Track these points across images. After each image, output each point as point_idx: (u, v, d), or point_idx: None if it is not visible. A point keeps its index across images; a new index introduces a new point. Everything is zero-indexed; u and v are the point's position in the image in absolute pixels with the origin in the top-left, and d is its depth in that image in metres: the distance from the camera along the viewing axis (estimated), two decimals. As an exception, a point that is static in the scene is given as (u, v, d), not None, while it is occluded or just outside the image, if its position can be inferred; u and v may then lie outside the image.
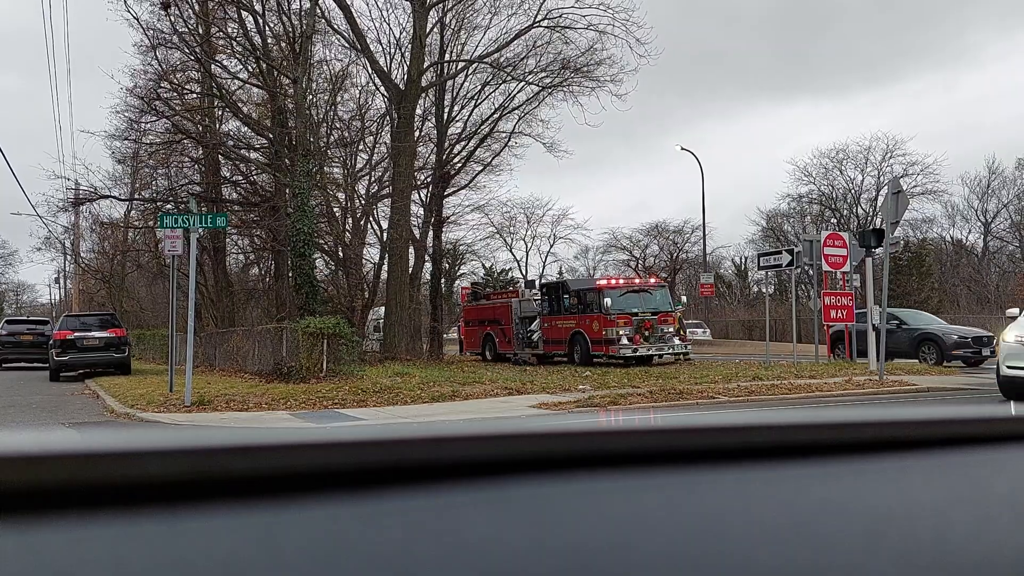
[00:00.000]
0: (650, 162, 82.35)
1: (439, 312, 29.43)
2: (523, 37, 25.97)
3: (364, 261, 27.30)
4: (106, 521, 0.50)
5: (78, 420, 11.89)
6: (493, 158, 29.66)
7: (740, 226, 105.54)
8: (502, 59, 26.36)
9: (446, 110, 27.86)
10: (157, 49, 21.70)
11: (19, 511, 0.50)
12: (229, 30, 23.35)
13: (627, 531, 0.58)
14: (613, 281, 22.84)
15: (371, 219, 28.15)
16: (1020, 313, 13.04)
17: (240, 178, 26.51)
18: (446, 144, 27.98)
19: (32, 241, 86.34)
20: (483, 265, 48.54)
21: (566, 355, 22.57)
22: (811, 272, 18.92)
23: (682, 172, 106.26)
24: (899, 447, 0.83)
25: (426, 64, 25.69)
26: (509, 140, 28.76)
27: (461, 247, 41.11)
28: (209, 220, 14.58)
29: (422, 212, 28.19)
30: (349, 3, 23.89)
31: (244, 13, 21.82)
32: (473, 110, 28.24)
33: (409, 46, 25.07)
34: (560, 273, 51.98)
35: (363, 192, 27.42)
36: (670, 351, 21.36)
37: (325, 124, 24.65)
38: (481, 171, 30.08)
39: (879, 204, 37.34)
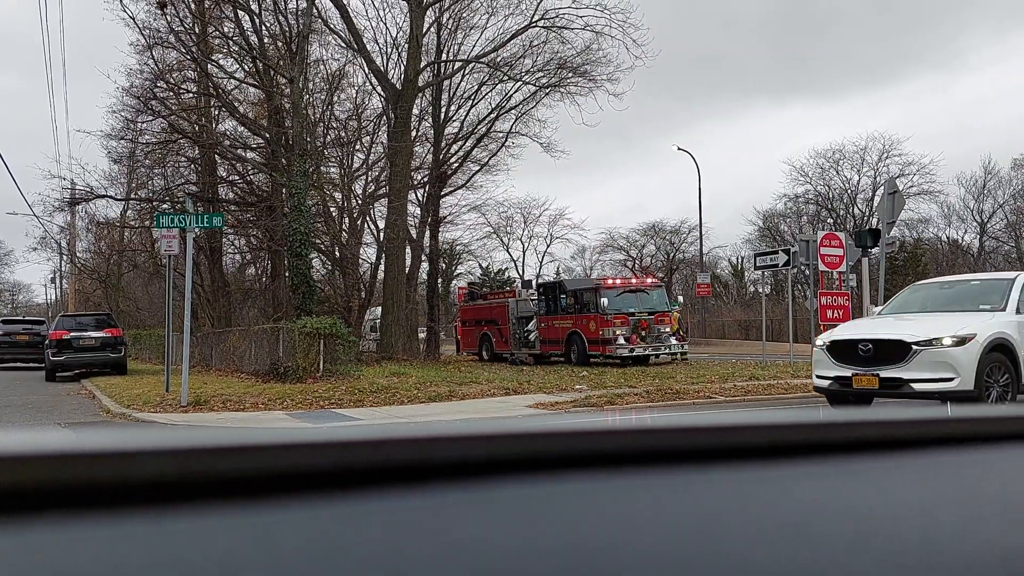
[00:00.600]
0: (647, 163, 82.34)
1: (436, 312, 29.44)
2: (520, 37, 26.02)
3: (361, 261, 27.31)
4: (101, 521, 0.50)
5: (74, 420, 11.87)
6: (490, 158, 29.68)
7: (737, 226, 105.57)
8: (499, 59, 26.40)
9: (443, 110, 27.86)
10: (153, 48, 21.71)
11: (14, 511, 0.50)
12: (225, 29, 23.35)
13: (618, 531, 0.58)
14: (610, 281, 22.86)
15: (368, 219, 28.15)
16: (878, 311, 11.24)
17: (236, 178, 26.47)
18: (443, 144, 27.98)
19: (28, 241, 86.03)
20: (480, 265, 48.51)
21: (563, 355, 22.58)
22: (807, 272, 18.93)
23: (679, 173, 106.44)
24: (888, 447, 0.83)
25: (423, 64, 25.68)
26: (506, 140, 28.79)
27: (458, 247, 41.03)
28: (205, 220, 14.56)
29: (419, 212, 28.19)
30: (346, 2, 23.89)
31: (240, 12, 21.78)
32: (470, 110, 28.27)
33: (406, 46, 25.06)
34: (557, 273, 51.89)
35: (360, 192, 27.43)
36: (667, 351, 21.39)
37: (322, 124, 24.63)
38: (478, 171, 30.09)
39: (875, 204, 37.36)
